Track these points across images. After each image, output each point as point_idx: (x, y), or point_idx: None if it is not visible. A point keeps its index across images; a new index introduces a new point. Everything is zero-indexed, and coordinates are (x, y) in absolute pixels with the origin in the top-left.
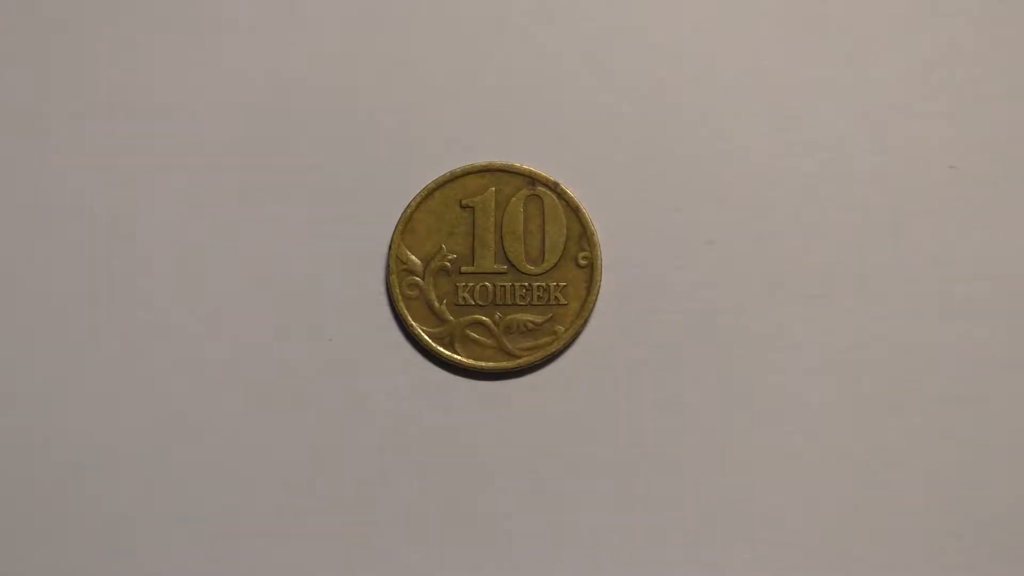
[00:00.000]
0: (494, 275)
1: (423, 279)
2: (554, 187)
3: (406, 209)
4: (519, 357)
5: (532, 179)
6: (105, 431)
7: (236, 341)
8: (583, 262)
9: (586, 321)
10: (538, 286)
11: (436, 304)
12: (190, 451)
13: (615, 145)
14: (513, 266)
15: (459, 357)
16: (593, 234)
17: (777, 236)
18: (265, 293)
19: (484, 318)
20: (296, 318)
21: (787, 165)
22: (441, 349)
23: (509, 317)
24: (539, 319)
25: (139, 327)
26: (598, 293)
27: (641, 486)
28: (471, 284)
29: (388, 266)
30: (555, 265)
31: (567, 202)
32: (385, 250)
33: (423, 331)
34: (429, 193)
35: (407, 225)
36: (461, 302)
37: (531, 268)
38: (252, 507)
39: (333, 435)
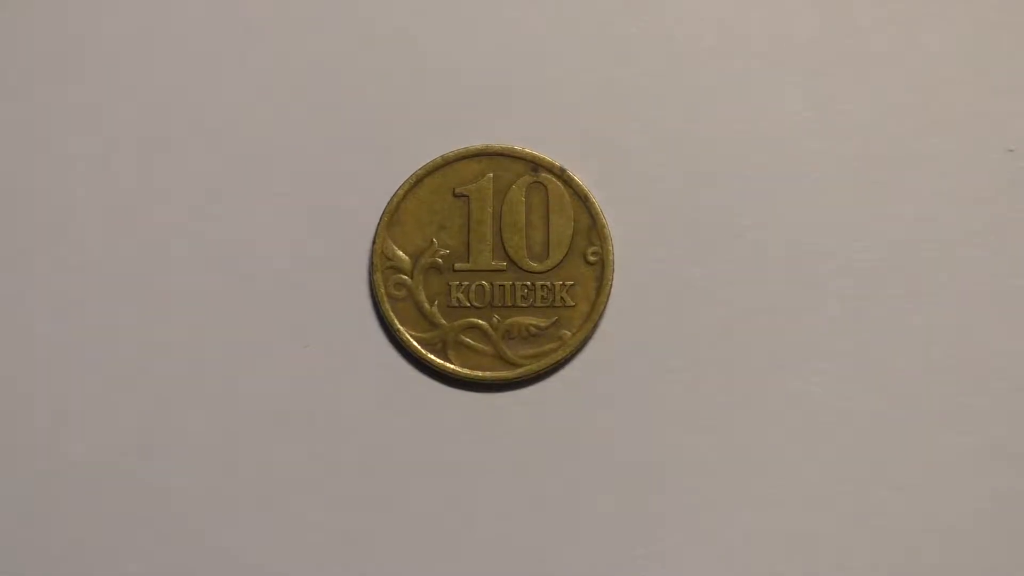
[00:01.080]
0: (492, 273)
1: (411, 277)
2: (560, 173)
3: (392, 198)
4: (520, 366)
5: (535, 164)
6: (66, 443)
7: (199, 349)
8: (593, 258)
9: (596, 325)
10: (542, 285)
11: (426, 306)
12: (152, 473)
13: (629, 125)
14: (513, 263)
15: (452, 366)
16: (604, 226)
17: (814, 229)
18: (231, 294)
19: (480, 322)
20: (267, 322)
21: (826, 148)
22: (432, 357)
23: (509, 320)
24: (543, 323)
25: (82, 329)
26: (609, 293)
27: (658, 513)
28: (466, 283)
29: (372, 263)
30: (561, 262)
31: (574, 190)
32: (368, 245)
33: (411, 336)
34: (418, 180)
35: (393, 216)
36: (454, 303)
37: (534, 265)
38: (219, 535)
39: (309, 454)
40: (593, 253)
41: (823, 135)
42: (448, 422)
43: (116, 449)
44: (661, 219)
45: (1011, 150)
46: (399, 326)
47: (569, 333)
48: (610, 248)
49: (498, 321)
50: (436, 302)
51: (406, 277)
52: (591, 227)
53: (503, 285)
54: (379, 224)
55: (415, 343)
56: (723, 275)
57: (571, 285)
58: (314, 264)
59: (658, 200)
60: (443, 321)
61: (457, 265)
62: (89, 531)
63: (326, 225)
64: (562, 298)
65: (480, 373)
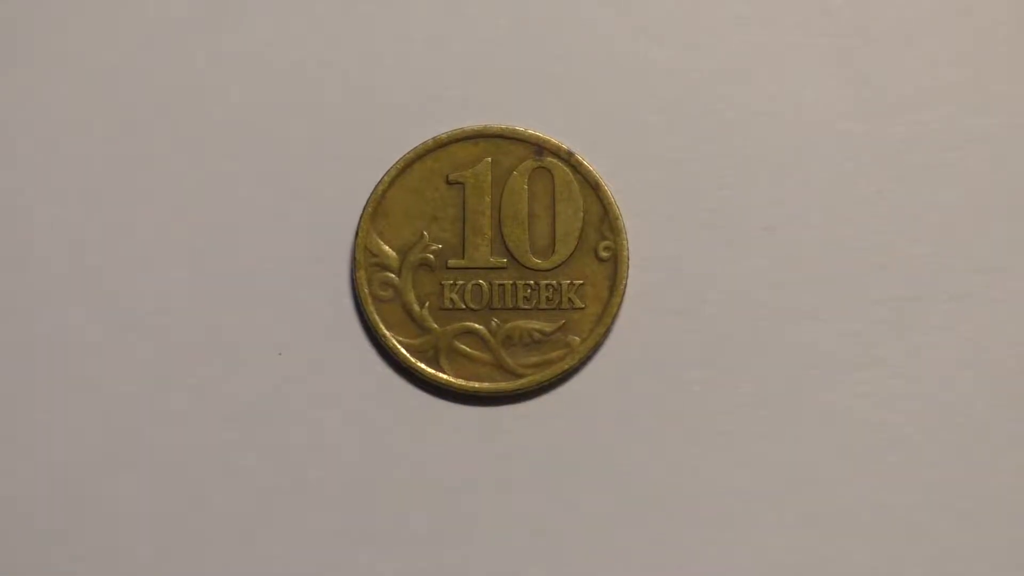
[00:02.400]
0: (490, 271)
1: (399, 276)
2: (567, 157)
3: (376, 186)
4: (522, 376)
5: (539, 147)
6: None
7: (155, 355)
8: (605, 254)
9: (608, 330)
10: (547, 285)
11: (416, 308)
12: (111, 491)
13: (647, 103)
14: (515, 259)
15: (445, 376)
16: (617, 218)
17: (856, 221)
18: (193, 297)
19: (477, 326)
20: (235, 328)
21: (868, 130)
22: (422, 366)
23: (510, 325)
24: (548, 327)
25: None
26: (624, 294)
27: (681, 546)
28: (461, 282)
29: (354, 259)
30: (569, 258)
31: (584, 176)
32: (350, 238)
33: (399, 343)
34: (407, 165)
35: (378, 207)
36: (448, 305)
37: (538, 262)
38: (181, 559)
39: (283, 477)
40: (605, 248)
41: (864, 115)
42: (440, 439)
43: (74, 465)
44: (682, 210)
45: None
46: (385, 331)
47: (578, 339)
48: (624, 242)
49: (497, 325)
50: (427, 304)
51: (393, 275)
52: (603, 218)
53: (503, 284)
54: (362, 215)
55: (403, 350)
56: (753, 274)
57: (580, 284)
58: (287, 261)
59: (679, 188)
60: (435, 325)
61: (451, 262)
62: (52, 544)
63: (301, 217)
64: (570, 299)
65: (477, 384)
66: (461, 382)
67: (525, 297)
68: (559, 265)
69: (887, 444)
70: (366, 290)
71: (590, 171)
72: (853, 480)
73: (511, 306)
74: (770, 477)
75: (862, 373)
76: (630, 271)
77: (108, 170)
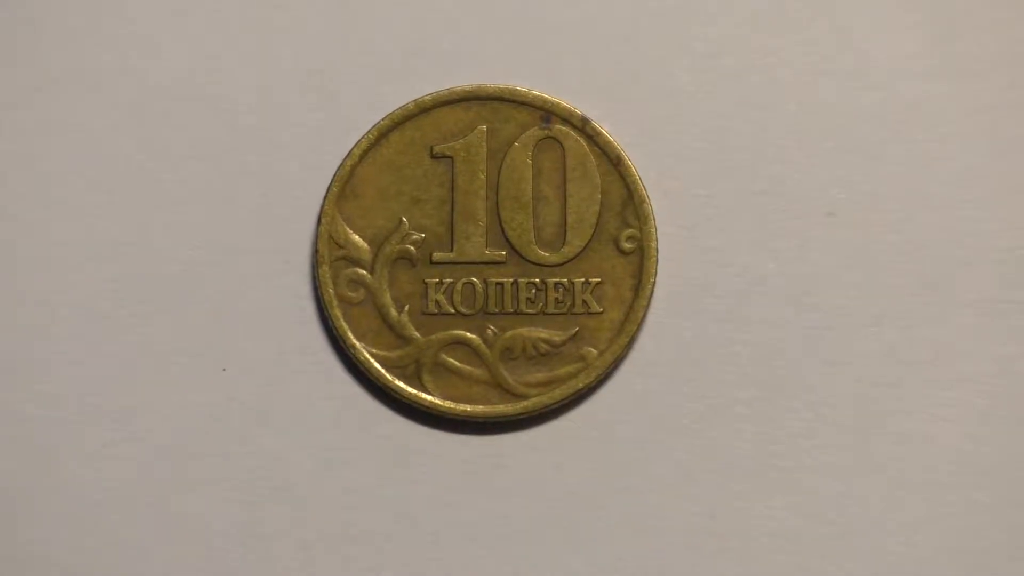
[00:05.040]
0: (486, 266)
1: (372, 273)
2: (582, 125)
3: (344, 160)
4: (525, 397)
5: (546, 112)
6: None
7: (80, 370)
8: (628, 246)
9: (632, 340)
10: (556, 284)
11: (393, 312)
12: (28, 534)
13: (678, 59)
14: (516, 252)
15: (429, 397)
16: (644, 201)
17: (934, 206)
18: (122, 297)
19: (470, 335)
20: (171, 338)
21: (955, 92)
22: (401, 385)
23: (510, 334)
24: (558, 337)
25: None
26: (651, 296)
27: None
28: (449, 280)
29: (316, 251)
30: (583, 250)
31: (603, 149)
32: (311, 226)
33: (372, 356)
34: (381, 135)
35: (346, 186)
36: (433, 309)
37: (545, 255)
38: None
39: (229, 523)
40: (629, 238)
41: (951, 76)
42: (423, 476)
43: None
44: (725, 191)
45: None
46: (355, 341)
47: (594, 351)
48: (652, 231)
49: (494, 334)
50: (407, 307)
51: (364, 272)
52: (626, 201)
53: (501, 283)
54: (325, 197)
55: (377, 365)
56: (812, 271)
57: (597, 283)
58: (233, 254)
59: (720, 164)
60: (416, 334)
61: (436, 255)
62: None
63: (249, 199)
64: (585, 302)
65: (469, 407)
66: (449, 405)
67: (529, 299)
68: (571, 259)
69: (974, 481)
70: (331, 290)
71: (610, 142)
72: (933, 527)
73: (511, 310)
74: (835, 523)
75: (946, 393)
76: (659, 267)
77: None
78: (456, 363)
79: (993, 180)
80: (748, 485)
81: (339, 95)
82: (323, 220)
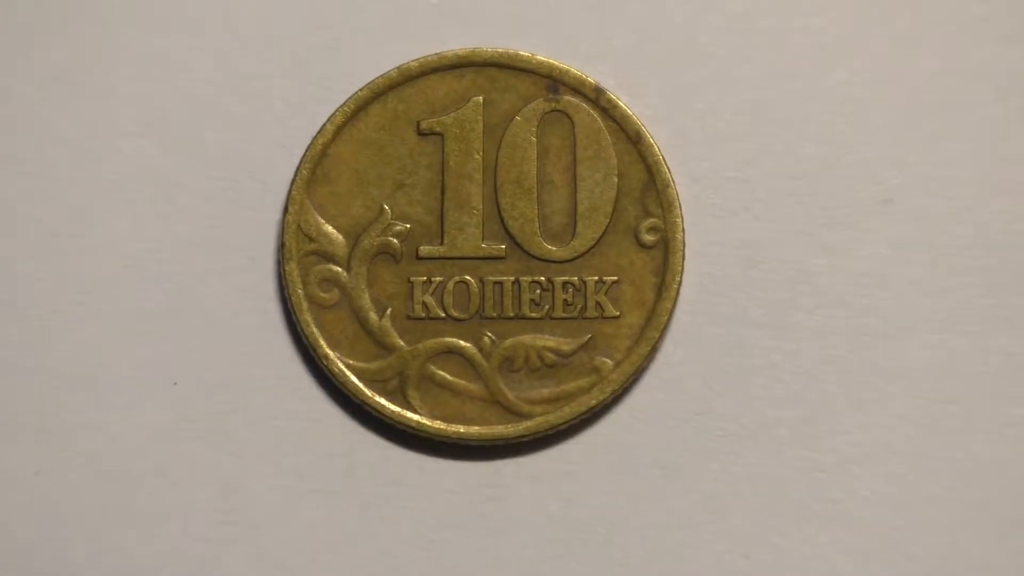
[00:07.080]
0: (482, 262)
1: (348, 270)
2: (595, 96)
3: (316, 137)
4: (528, 417)
5: (553, 82)
6: None
7: (16, 381)
8: (650, 238)
9: (654, 349)
10: (565, 283)
11: (372, 317)
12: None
13: (706, 19)
14: (518, 245)
15: (416, 416)
16: (668, 185)
17: (1008, 190)
18: (63, 298)
19: (463, 343)
20: (112, 344)
21: (1018, 55)
22: (383, 401)
23: (510, 342)
24: (567, 345)
25: None
26: (676, 296)
27: None
28: (438, 279)
29: (282, 245)
30: (597, 243)
31: (619, 124)
32: (277, 216)
33: (348, 367)
34: (359, 108)
35: (317, 168)
36: (420, 313)
37: (552, 250)
38: None
39: (186, 552)
40: (650, 229)
41: (1019, 40)
42: (409, 508)
43: None
44: (761, 174)
45: None
46: (328, 350)
47: (610, 362)
48: (678, 221)
49: (492, 343)
50: (389, 311)
51: (339, 269)
52: (647, 186)
53: (500, 283)
54: (293, 181)
55: (354, 378)
56: (863, 267)
57: (614, 282)
58: (187, 248)
59: (755, 142)
60: (400, 342)
61: (423, 249)
62: None
63: (206, 184)
64: (599, 304)
65: (463, 428)
66: (439, 425)
67: (533, 301)
68: (582, 254)
69: None
70: (299, 291)
71: (628, 116)
72: (1008, 553)
73: (512, 314)
74: (892, 565)
75: (1014, 411)
76: (686, 263)
77: None
78: (447, 376)
79: None
80: (789, 520)
81: (309, 61)
82: (290, 208)
